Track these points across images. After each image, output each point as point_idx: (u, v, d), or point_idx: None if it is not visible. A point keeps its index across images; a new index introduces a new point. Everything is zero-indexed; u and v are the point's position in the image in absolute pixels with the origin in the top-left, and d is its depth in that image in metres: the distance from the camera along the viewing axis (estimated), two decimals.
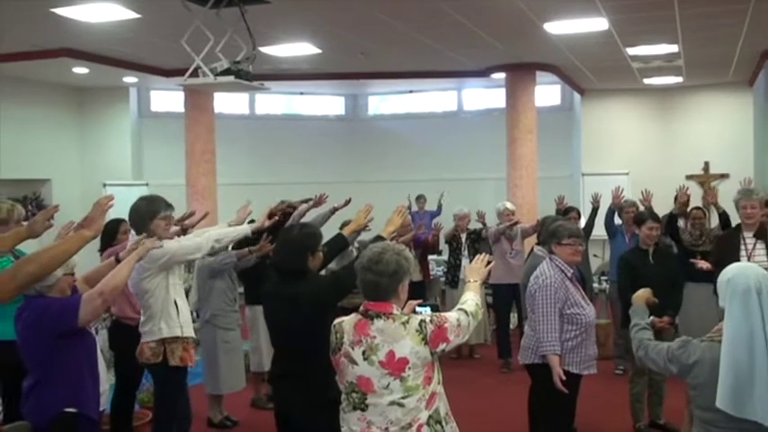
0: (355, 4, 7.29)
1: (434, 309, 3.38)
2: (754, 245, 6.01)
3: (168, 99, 13.84)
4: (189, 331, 4.87)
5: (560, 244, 4.81)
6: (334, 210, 7.42)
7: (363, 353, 3.07)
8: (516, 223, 8.50)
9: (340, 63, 10.90)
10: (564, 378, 4.57)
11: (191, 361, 4.91)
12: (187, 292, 8.13)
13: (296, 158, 14.66)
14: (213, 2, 6.56)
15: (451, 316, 3.18)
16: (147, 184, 12.57)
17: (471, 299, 3.37)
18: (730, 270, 2.97)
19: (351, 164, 14.89)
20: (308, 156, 14.77)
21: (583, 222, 8.96)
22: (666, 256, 6.36)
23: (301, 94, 15.17)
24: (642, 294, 3.74)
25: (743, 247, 6.04)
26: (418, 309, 3.33)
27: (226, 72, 6.32)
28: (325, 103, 15.72)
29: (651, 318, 5.54)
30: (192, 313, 8.06)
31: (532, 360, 4.85)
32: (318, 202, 7.52)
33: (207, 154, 11.69)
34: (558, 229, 4.94)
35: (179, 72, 7.73)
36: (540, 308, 4.69)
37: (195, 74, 6.50)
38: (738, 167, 12.44)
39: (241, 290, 6.77)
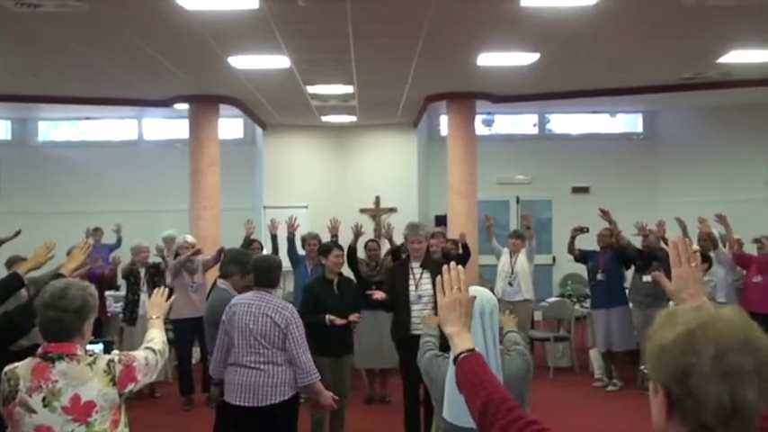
0: (27, 22, 6.80)
1: (107, 345, 3.23)
2: (421, 274, 6.57)
3: None
4: None
5: None
6: (1, 242, 6.82)
7: (43, 399, 2.85)
8: (198, 252, 8.44)
9: (6, 84, 10.05)
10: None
11: None
12: None
13: None
14: None
15: (139, 355, 3.08)
16: None
17: (158, 336, 3.29)
18: None
19: (19, 193, 13.69)
20: None
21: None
22: (349, 285, 6.74)
23: None
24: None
25: (411, 276, 6.58)
26: (90, 346, 3.15)
27: None
28: None
29: (329, 316, 6.02)
30: None
31: (287, 395, 4.84)
32: None
33: None
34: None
35: None
36: (299, 339, 4.79)
37: None
38: (405, 202, 13.53)
39: None
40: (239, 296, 5.13)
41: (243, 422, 4.90)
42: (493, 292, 10.40)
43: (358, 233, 8.39)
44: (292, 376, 4.82)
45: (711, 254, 8.46)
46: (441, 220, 12.64)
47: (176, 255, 8.57)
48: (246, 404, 4.82)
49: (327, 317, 6.09)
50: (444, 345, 3.42)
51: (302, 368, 4.80)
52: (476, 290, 3.27)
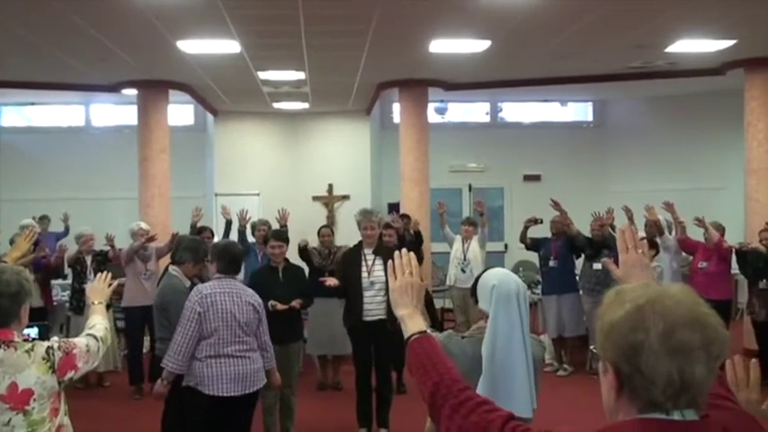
0: None
1: (42, 329, 3.14)
2: (374, 260, 6.54)
3: None
4: None
5: None
6: None
7: None
8: (152, 239, 8.31)
9: None
10: None
11: None
12: None
13: None
14: None
15: (80, 341, 3.00)
16: None
17: (99, 322, 3.20)
18: (494, 277, 3.17)
19: None
20: None
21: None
22: (296, 273, 6.69)
23: None
24: None
25: (364, 262, 6.54)
26: (26, 330, 3.06)
27: None
28: None
29: (272, 301, 6.03)
30: None
31: (265, 379, 5.10)
32: None
33: None
34: None
35: None
36: (267, 324, 5.12)
37: None
38: (358, 189, 13.49)
39: None
40: (208, 284, 5.00)
41: (224, 411, 4.84)
42: (446, 279, 10.50)
43: (303, 248, 8.21)
44: (263, 361, 5.03)
45: (658, 240, 8.59)
46: (394, 208, 12.63)
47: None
48: (238, 394, 4.82)
49: (270, 302, 6.02)
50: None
51: (269, 352, 5.08)
52: (506, 273, 3.24)
